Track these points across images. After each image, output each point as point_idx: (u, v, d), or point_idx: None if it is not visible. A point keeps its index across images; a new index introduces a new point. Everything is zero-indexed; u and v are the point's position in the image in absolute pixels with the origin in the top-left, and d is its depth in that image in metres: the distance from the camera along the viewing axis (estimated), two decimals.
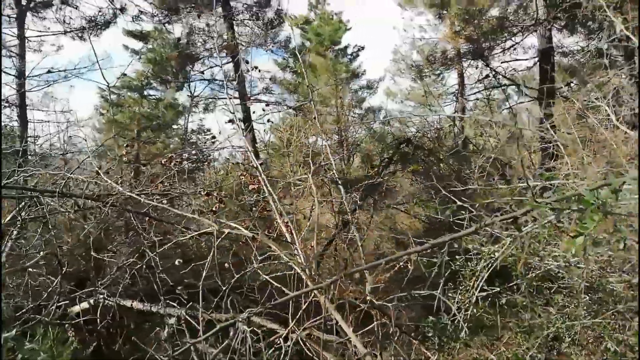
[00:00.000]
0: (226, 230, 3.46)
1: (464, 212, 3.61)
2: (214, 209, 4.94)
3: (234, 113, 4.75)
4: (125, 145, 7.95)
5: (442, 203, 5.62)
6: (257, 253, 4.72)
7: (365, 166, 10.94)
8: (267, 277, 3.43)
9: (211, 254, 3.30)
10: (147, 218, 4.73)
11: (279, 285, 3.48)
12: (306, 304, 3.06)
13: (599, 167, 5.27)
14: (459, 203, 3.19)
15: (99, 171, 4.53)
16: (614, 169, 4.62)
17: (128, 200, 4.56)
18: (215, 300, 3.77)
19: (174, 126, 15.60)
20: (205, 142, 15.73)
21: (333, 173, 7.77)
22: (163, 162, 5.71)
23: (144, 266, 4.11)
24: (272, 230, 4.60)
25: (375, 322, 3.32)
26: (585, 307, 3.68)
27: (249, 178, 5.42)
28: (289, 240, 3.57)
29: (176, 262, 4.20)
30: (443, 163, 10.88)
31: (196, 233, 3.91)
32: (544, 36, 12.82)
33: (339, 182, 7.93)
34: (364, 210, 10.11)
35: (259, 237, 3.36)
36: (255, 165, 4.15)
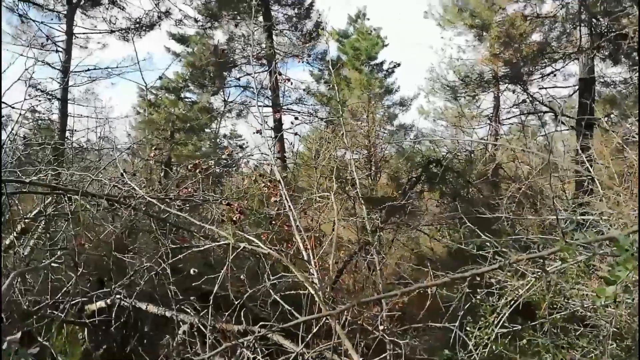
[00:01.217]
0: (242, 245, 3.43)
1: (489, 245, 3.48)
2: (234, 219, 4.93)
3: (262, 124, 4.75)
4: (154, 147, 8.09)
5: (467, 232, 5.48)
6: (275, 266, 4.69)
7: (391, 184, 10.81)
8: (277, 297, 3.38)
9: (225, 266, 3.28)
10: (167, 223, 4.76)
11: (290, 308, 3.42)
12: (317, 327, 3.00)
13: (635, 206, 5.03)
14: (483, 238, 3.07)
15: (123, 173, 4.59)
16: None
17: (150, 204, 4.59)
18: (228, 312, 3.74)
19: (207, 130, 15.86)
20: (235, 148, 15.90)
21: (357, 191, 7.68)
22: (189, 168, 5.75)
23: (160, 271, 4.13)
24: (291, 245, 4.56)
25: (387, 352, 3.23)
26: (611, 355, 3.48)
27: (272, 190, 5.40)
28: (306, 258, 3.51)
29: (191, 272, 4.21)
30: (472, 187, 10.66)
31: (212, 244, 3.91)
32: (586, 65, 12.49)
33: (362, 201, 7.84)
34: (388, 230, 9.97)
35: (274, 254, 3.32)
36: (278, 179, 4.13)
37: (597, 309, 3.96)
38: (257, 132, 5.20)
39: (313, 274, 3.33)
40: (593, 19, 12.87)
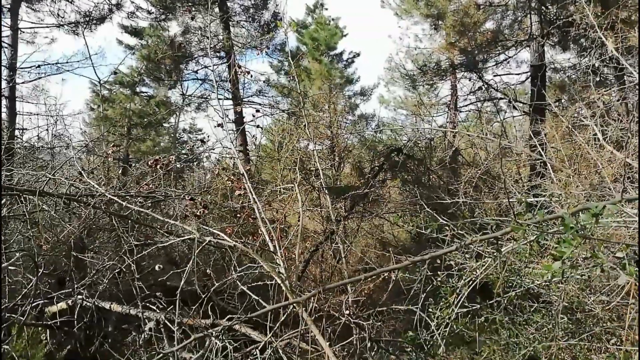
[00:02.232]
0: (207, 238, 3.43)
1: (447, 228, 3.62)
2: (197, 213, 4.90)
3: (222, 117, 4.72)
4: (111, 144, 7.89)
5: (427, 217, 5.66)
6: (242, 259, 4.71)
7: (355, 174, 10.96)
8: (244, 288, 3.41)
9: (191, 261, 3.27)
10: (128, 221, 4.68)
11: (258, 298, 3.46)
12: (285, 315, 3.05)
13: (584, 187, 5.32)
14: (441, 221, 3.19)
15: (82, 172, 4.48)
16: (597, 191, 4.67)
17: (111, 201, 4.51)
18: (195, 306, 3.75)
19: (165, 124, 15.51)
20: (195, 142, 15.65)
21: (321, 182, 7.76)
22: (149, 164, 5.66)
23: (123, 269, 4.06)
24: (257, 237, 4.58)
25: (353, 336, 3.32)
26: (562, 328, 3.70)
27: (235, 183, 5.39)
28: (272, 249, 3.54)
29: (156, 268, 4.17)
30: (432, 174, 10.93)
31: (176, 239, 3.87)
32: (537, 51, 12.95)
33: (326, 191, 7.93)
34: (352, 219, 10.12)
35: (239, 246, 3.34)
36: (241, 172, 4.12)
37: (550, 285, 4.19)
38: (218, 126, 5.17)
39: (279, 264, 3.37)
40: (542, 7, 13.34)
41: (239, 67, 6.41)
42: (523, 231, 2.68)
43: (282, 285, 3.18)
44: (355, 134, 11.16)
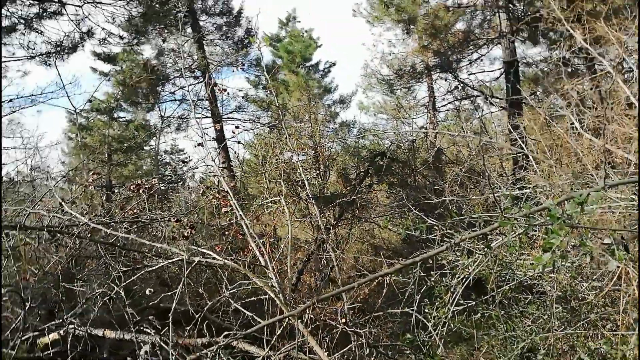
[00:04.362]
0: (196, 258, 3.39)
1: (436, 228, 3.63)
2: (185, 234, 4.85)
3: (202, 136, 4.70)
4: (91, 172, 7.82)
5: (416, 218, 5.69)
6: (234, 276, 4.66)
7: (341, 181, 10.97)
8: (237, 305, 3.38)
9: (181, 282, 3.23)
10: (115, 247, 4.61)
11: (252, 314, 3.42)
12: (281, 328, 3.02)
13: (567, 175, 5.39)
14: (429, 223, 3.21)
15: (62, 202, 4.41)
16: (580, 179, 4.74)
17: (95, 230, 4.44)
18: (190, 326, 3.69)
19: (146, 147, 15.38)
20: (178, 163, 15.54)
21: (307, 193, 7.75)
22: (132, 188, 5.60)
23: (114, 295, 3.99)
24: (247, 252, 4.54)
25: (352, 343, 3.29)
26: (558, 318, 3.72)
27: (221, 201, 5.35)
28: (263, 263, 3.51)
29: (147, 292, 4.11)
30: (417, 174, 11.01)
31: (165, 262, 3.82)
32: (508, 48, 13.20)
33: (313, 200, 7.92)
34: (342, 226, 10.11)
35: (230, 264, 3.31)
36: (226, 190, 4.09)
37: (542, 276, 4.22)
38: (198, 145, 5.15)
39: (272, 278, 3.34)
40: (510, 5, 13.62)
41: (215, 85, 6.40)
42: (511, 225, 2.71)
43: (275, 299, 3.15)
44: (337, 141, 11.20)
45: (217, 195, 5.55)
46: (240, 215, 3.80)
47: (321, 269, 9.03)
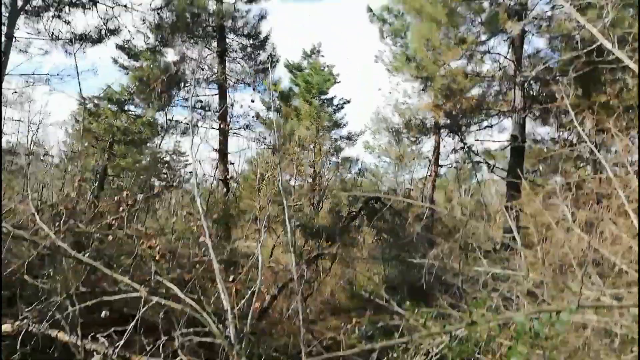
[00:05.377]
0: (155, 299, 3.36)
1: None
2: (156, 257, 4.83)
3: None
4: (78, 179, 7.95)
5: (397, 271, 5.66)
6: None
7: (332, 215, 10.99)
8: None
9: (137, 319, 3.21)
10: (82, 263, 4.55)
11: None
12: None
13: (550, 265, 5.32)
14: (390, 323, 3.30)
15: (35, 213, 4.49)
16: (561, 273, 4.75)
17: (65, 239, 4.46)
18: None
19: (149, 144, 15.40)
20: (177, 164, 15.55)
21: (295, 220, 7.76)
22: (115, 199, 5.70)
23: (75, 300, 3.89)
24: (215, 286, 4.38)
25: None
26: None
27: (200, 230, 5.31)
28: (226, 307, 3.42)
29: (102, 315, 4.10)
30: (409, 226, 11.03)
31: (122, 296, 3.76)
32: (518, 122, 13.52)
33: (301, 228, 7.92)
34: (325, 258, 10.05)
35: (188, 309, 3.29)
36: (204, 227, 3.99)
37: None
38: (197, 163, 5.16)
39: (229, 324, 3.27)
40: (526, 83, 14.06)
41: (232, 105, 6.46)
42: (475, 328, 2.76)
43: (226, 348, 3.11)
44: (337, 175, 11.29)
45: (196, 222, 5.57)
46: (213, 256, 3.71)
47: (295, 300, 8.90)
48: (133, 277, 4.60)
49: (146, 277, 5.00)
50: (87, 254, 4.99)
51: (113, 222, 5.69)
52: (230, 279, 5.43)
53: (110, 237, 5.81)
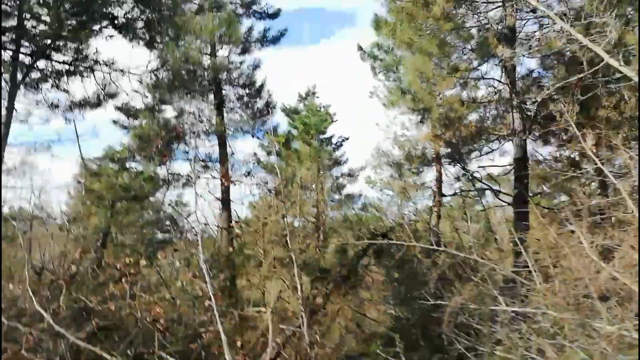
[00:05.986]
0: None
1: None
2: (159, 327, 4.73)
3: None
4: (79, 250, 8.01)
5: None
6: None
7: (338, 255, 10.73)
8: None
9: None
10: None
11: None
12: None
13: (569, 297, 5.00)
14: None
15: (33, 297, 4.51)
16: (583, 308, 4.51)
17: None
18: None
19: (151, 198, 15.44)
20: (179, 216, 15.47)
21: (299, 265, 7.58)
22: (118, 268, 5.69)
23: None
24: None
25: None
26: None
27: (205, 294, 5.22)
28: None
29: None
30: (418, 261, 10.68)
31: None
32: (519, 145, 13.33)
33: (305, 272, 7.72)
34: (333, 302, 9.72)
35: None
36: (209, 296, 3.84)
37: None
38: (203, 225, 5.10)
39: None
40: (523, 105, 13.97)
41: (232, 154, 6.47)
42: None
43: None
44: (340, 212, 11.14)
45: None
46: (220, 328, 3.52)
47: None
48: (137, 350, 4.53)
49: (150, 350, 4.93)
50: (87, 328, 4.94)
51: (115, 292, 5.68)
52: (239, 344, 5.28)
53: (113, 307, 5.78)
